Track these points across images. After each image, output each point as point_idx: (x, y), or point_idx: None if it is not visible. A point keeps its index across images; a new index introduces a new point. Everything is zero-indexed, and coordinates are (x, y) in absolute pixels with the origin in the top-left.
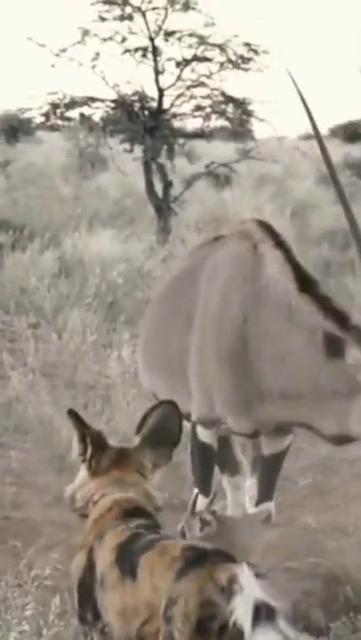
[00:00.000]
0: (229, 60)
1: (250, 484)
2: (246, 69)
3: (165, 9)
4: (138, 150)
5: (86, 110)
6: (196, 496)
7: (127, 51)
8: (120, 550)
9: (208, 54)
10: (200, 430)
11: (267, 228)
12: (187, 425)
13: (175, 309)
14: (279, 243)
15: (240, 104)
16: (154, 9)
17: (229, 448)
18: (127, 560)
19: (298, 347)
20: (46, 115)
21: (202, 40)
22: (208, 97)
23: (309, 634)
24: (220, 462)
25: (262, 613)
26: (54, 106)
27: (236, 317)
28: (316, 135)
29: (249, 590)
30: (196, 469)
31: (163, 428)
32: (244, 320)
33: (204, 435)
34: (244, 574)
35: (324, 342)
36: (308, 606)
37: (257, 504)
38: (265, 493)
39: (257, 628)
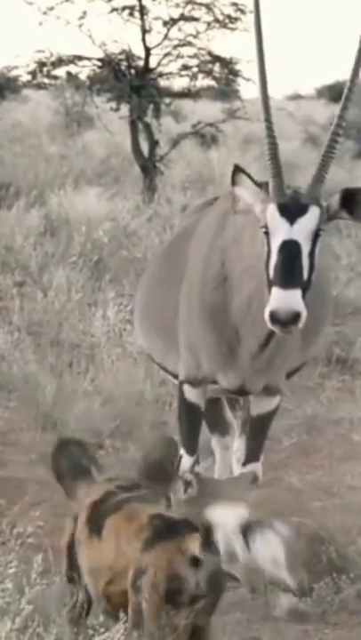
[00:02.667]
0: (216, 20)
1: (238, 446)
2: (233, 29)
3: None
4: (124, 109)
5: (73, 69)
6: (180, 459)
7: (114, 9)
8: (92, 509)
9: (195, 14)
10: (187, 389)
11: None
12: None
13: (170, 269)
14: None
15: (227, 64)
16: None
17: (220, 409)
18: (96, 520)
19: None
20: (33, 73)
21: None
22: (195, 56)
23: (293, 594)
24: (211, 423)
25: (253, 528)
26: (41, 64)
27: (218, 275)
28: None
29: (229, 520)
30: (182, 428)
31: (159, 467)
32: (225, 278)
33: (191, 394)
34: (217, 512)
35: None
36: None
37: (244, 464)
38: (252, 454)
39: (253, 541)
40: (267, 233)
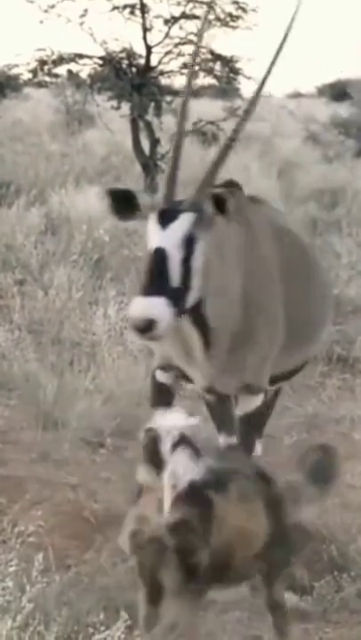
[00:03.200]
0: (217, 18)
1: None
2: (234, 27)
3: None
4: (125, 107)
5: (74, 67)
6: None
7: (115, 8)
8: None
9: (196, 12)
10: (158, 373)
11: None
12: None
13: None
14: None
15: (228, 62)
16: None
17: (227, 408)
18: None
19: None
20: (34, 71)
21: None
22: (196, 54)
23: (293, 592)
24: (218, 422)
25: (180, 442)
26: (42, 62)
27: None
28: None
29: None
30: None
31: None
32: None
33: (162, 376)
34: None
35: None
36: (292, 565)
37: None
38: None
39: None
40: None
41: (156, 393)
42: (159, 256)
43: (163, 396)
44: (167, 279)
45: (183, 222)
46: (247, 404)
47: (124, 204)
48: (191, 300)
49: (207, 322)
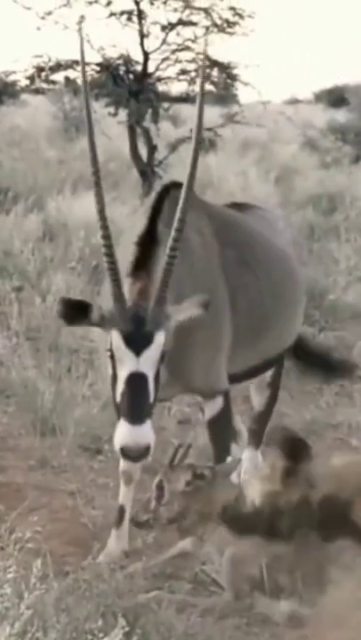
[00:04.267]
0: (214, 24)
1: (246, 455)
2: (231, 33)
3: None
4: (122, 114)
5: (71, 73)
6: (176, 451)
7: (112, 14)
8: None
9: (193, 18)
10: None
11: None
12: None
13: None
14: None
15: (225, 68)
16: None
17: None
18: None
19: None
20: (31, 78)
21: (187, 4)
22: (193, 61)
23: (277, 597)
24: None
25: None
26: (39, 69)
27: None
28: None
29: None
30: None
31: None
32: None
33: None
34: None
35: None
36: (277, 570)
37: None
38: (216, 458)
39: None
40: (111, 356)
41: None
42: (140, 382)
43: None
44: (147, 401)
45: (158, 344)
46: (210, 409)
47: (77, 311)
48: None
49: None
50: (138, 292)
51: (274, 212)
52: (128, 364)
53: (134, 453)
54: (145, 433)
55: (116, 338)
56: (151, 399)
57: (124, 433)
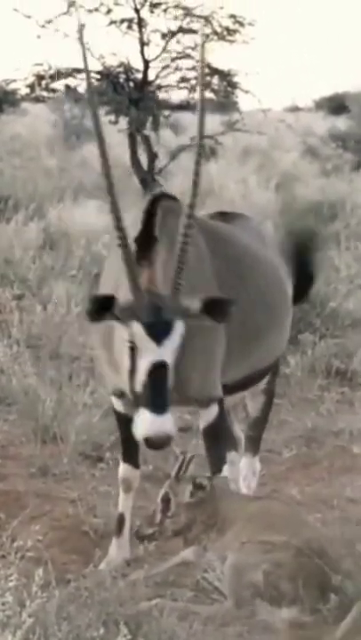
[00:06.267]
0: (215, 32)
1: (244, 462)
2: (232, 41)
3: None
4: (123, 122)
5: (71, 82)
6: (182, 463)
7: (113, 22)
8: None
9: (193, 26)
10: (114, 400)
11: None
12: None
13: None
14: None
15: (225, 76)
16: None
17: (228, 424)
18: None
19: None
20: (31, 86)
21: (187, 12)
22: (193, 69)
23: (278, 605)
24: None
25: None
26: (39, 77)
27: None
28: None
29: None
30: (120, 437)
31: None
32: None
33: (117, 404)
34: None
35: None
36: (278, 577)
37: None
38: (213, 467)
39: None
40: (132, 348)
41: (118, 422)
42: (163, 371)
43: (122, 425)
44: (168, 390)
45: (178, 333)
46: (205, 417)
47: (102, 307)
48: None
49: None
50: (148, 283)
51: (261, 221)
52: (149, 353)
53: (158, 443)
54: (168, 422)
55: (136, 328)
56: (170, 385)
57: (148, 422)
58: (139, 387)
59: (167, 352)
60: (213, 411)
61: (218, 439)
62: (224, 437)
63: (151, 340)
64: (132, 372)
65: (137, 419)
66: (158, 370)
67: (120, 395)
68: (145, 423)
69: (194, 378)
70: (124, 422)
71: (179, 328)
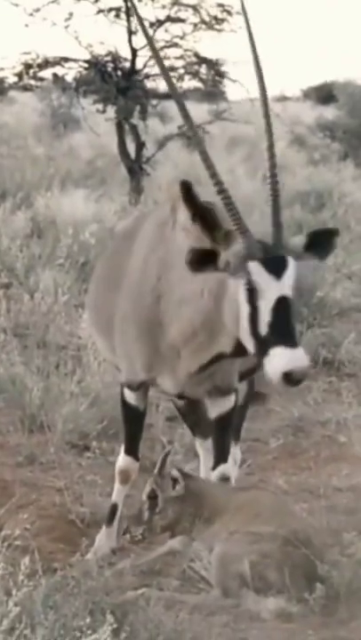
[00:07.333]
0: (203, 21)
1: None
2: (220, 30)
3: None
4: (111, 111)
5: (59, 70)
6: (165, 458)
7: (101, 11)
8: None
9: (181, 15)
10: (126, 392)
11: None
12: None
13: (112, 269)
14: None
15: (213, 65)
16: None
17: (201, 411)
18: None
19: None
20: (19, 75)
21: (175, 1)
22: (181, 58)
23: (264, 594)
24: (192, 426)
25: None
26: (27, 66)
27: (154, 291)
28: None
29: None
30: (124, 429)
31: None
32: (160, 297)
33: (130, 397)
34: None
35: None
36: (264, 567)
37: (213, 468)
38: (220, 456)
39: None
40: (250, 290)
41: (125, 414)
42: (288, 305)
43: (132, 418)
44: (295, 325)
45: (293, 268)
46: (222, 406)
47: (205, 258)
48: None
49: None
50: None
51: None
52: (272, 289)
53: (300, 376)
54: (305, 355)
55: (254, 267)
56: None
57: (286, 357)
58: (264, 328)
59: (288, 287)
60: (231, 400)
61: (228, 429)
62: (235, 428)
63: (271, 275)
64: (253, 318)
65: (268, 361)
66: (285, 303)
67: (134, 387)
68: (283, 359)
69: (226, 366)
70: (134, 415)
71: (293, 264)
